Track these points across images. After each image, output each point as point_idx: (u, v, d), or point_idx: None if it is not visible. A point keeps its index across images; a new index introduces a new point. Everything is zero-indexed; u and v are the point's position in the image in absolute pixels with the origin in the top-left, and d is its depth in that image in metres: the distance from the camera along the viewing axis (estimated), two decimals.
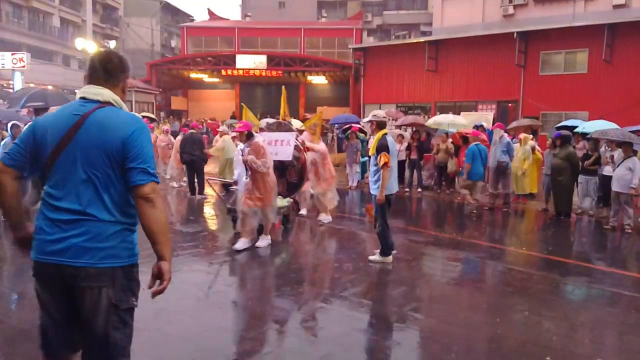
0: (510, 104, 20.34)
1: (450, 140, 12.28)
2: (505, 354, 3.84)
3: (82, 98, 2.23)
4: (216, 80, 33.43)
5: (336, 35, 34.24)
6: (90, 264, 2.08)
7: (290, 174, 8.02)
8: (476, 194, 10.20)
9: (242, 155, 6.36)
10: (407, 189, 12.94)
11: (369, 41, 32.79)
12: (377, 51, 25.37)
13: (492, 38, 20.83)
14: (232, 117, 30.09)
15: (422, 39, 24.35)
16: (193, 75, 32.75)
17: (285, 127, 8.27)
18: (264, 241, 6.65)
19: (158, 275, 2.16)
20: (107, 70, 2.27)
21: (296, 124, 15.57)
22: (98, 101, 2.20)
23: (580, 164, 9.46)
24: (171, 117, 30.48)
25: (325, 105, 31.31)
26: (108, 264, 2.10)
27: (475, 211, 9.87)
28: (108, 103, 2.22)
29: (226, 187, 9.31)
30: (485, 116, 16.86)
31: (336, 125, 20.54)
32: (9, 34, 30.57)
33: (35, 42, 33.10)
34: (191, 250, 6.60)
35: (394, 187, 6.09)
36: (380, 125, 6.03)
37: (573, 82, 19.06)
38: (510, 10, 24.03)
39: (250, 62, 30.16)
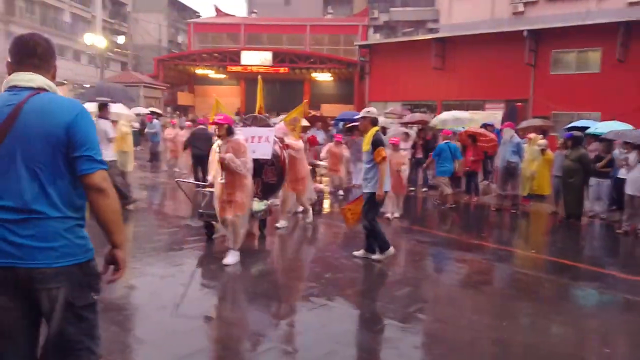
0: (519, 103, 20.06)
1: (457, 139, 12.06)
2: (511, 358, 3.68)
3: (13, 87, 2.05)
4: (222, 76, 33.37)
5: (342, 32, 34.03)
6: (46, 265, 1.96)
7: (267, 174, 6.91)
8: (446, 189, 10.49)
9: (219, 153, 5.53)
10: (412, 188, 12.74)
11: (375, 38, 32.55)
12: (384, 48, 25.19)
13: (501, 36, 20.58)
14: (237, 114, 30.02)
15: (429, 36, 24.13)
16: (199, 71, 32.72)
17: (263, 122, 7.27)
18: (232, 257, 5.61)
19: (112, 262, 2.13)
20: (37, 55, 2.10)
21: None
22: (31, 88, 2.03)
23: (592, 166, 9.24)
24: (177, 112, 30.44)
25: (329, 102, 31.17)
26: (64, 263, 1.99)
27: (448, 205, 10.29)
28: (42, 89, 2.05)
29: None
30: (494, 115, 16.62)
31: (340, 122, 20.38)
32: (22, 28, 30.66)
33: (47, 37, 33.30)
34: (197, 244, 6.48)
35: (386, 183, 5.87)
36: (373, 122, 5.95)
37: (585, 81, 18.78)
38: (520, 7, 23.68)
39: (256, 58, 30.07)
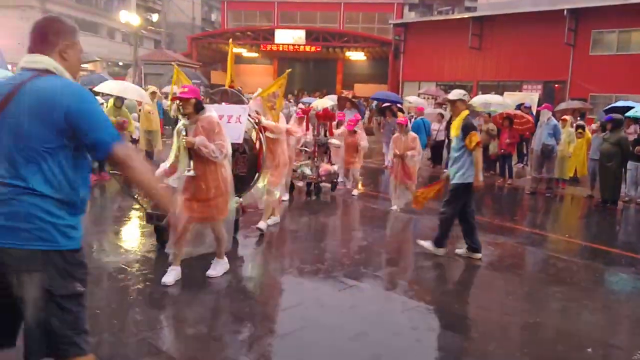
0: (556, 85, 19.53)
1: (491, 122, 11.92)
2: (542, 342, 3.74)
3: (22, 69, 2.06)
4: (255, 55, 33.42)
5: (376, 10, 33.48)
6: (15, 246, 1.90)
7: (237, 163, 5.54)
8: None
9: (185, 137, 4.30)
10: (445, 170, 12.69)
11: (411, 17, 31.93)
12: (419, 27, 24.76)
13: (541, 15, 19.96)
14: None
15: (466, 15, 23.59)
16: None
17: (235, 98, 5.92)
18: (218, 267, 4.62)
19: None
20: (43, 36, 2.07)
21: (322, 102, 14.86)
22: (35, 69, 2.03)
23: (631, 149, 9.03)
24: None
25: (362, 82, 30.93)
26: (37, 247, 1.91)
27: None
28: (47, 71, 2.03)
29: None
30: (530, 96, 16.27)
31: (374, 102, 20.29)
32: (58, 6, 31.23)
33: (82, 15, 33.82)
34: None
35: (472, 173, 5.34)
36: (463, 104, 5.48)
37: (626, 63, 18.12)
38: None
39: (289, 37, 29.97)
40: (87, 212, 2.17)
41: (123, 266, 4.83)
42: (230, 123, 5.33)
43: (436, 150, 13.32)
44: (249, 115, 5.57)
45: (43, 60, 2.04)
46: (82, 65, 20.88)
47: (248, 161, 5.67)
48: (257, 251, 5.71)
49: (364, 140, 9.23)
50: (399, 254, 5.94)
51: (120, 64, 35.25)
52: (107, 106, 9.39)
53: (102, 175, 9.08)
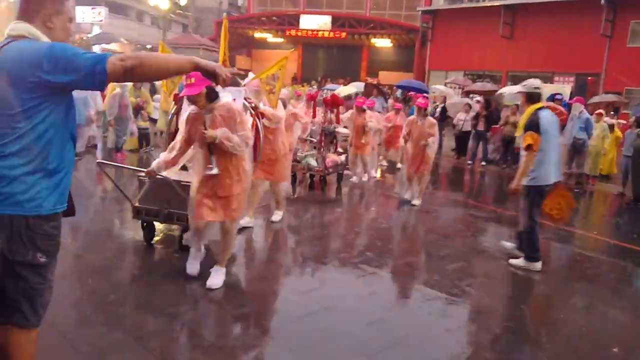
0: (590, 77, 18.91)
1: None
2: (566, 339, 3.62)
3: (5, 37, 2.02)
4: (280, 40, 33.32)
5: None
6: None
7: None
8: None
9: (204, 130, 3.70)
10: (470, 162, 12.46)
11: (439, 3, 31.27)
12: (448, 14, 24.23)
13: (577, 4, 19.26)
14: (294, 79, 30.04)
15: (497, 3, 22.91)
16: (257, 34, 32.80)
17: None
18: (220, 276, 3.99)
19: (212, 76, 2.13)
20: (27, 3, 2.03)
21: (345, 89, 14.34)
22: (11, 36, 2.00)
23: None
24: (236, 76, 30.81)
25: (387, 69, 30.55)
26: (5, 211, 1.90)
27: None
28: (21, 36, 1.98)
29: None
30: (562, 89, 15.81)
31: (399, 90, 20.02)
32: None
33: None
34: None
35: (550, 175, 4.78)
36: (531, 97, 4.86)
37: None
38: None
39: (314, 22, 29.74)
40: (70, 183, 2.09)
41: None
42: None
43: (462, 141, 13.06)
44: (245, 99, 4.83)
45: (19, 27, 2.00)
46: (107, 46, 21.05)
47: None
48: (273, 239, 5.67)
49: (373, 121, 8.57)
50: (419, 244, 5.84)
51: (149, 47, 35.50)
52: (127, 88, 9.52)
53: (121, 153, 9.20)
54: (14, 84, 1.88)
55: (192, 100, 3.67)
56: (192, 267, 4.08)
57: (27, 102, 1.89)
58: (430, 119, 7.21)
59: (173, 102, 5.35)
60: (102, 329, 3.21)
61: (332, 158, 7.68)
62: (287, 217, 6.16)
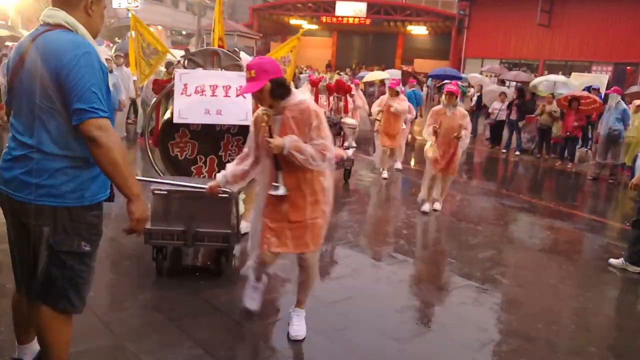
0: (628, 67, 18.38)
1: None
2: (594, 328, 3.73)
3: (41, 23, 2.02)
4: (314, 27, 33.34)
5: None
6: (29, 200, 1.96)
7: (229, 148, 4.45)
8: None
9: (268, 138, 2.82)
10: (504, 151, 12.42)
11: None
12: (485, 2, 23.80)
13: None
14: (328, 66, 30.09)
15: None
16: (293, 21, 32.89)
17: (229, 62, 4.45)
18: (302, 321, 3.24)
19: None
20: None
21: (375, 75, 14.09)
22: (49, 24, 1.98)
23: None
24: None
25: (423, 57, 30.27)
26: (47, 203, 1.96)
27: None
28: (58, 26, 1.96)
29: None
30: (599, 78, 15.46)
31: (430, 79, 19.90)
32: None
33: None
34: None
35: None
36: None
37: None
38: None
39: (350, 9, 29.66)
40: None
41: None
42: (229, 97, 4.13)
43: (496, 130, 13.00)
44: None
45: (56, 15, 1.98)
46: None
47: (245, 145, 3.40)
48: None
49: (359, 100, 8.17)
50: (449, 232, 5.97)
51: (184, 32, 36.06)
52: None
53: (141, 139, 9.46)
54: (46, 79, 1.90)
55: (256, 97, 2.94)
56: (252, 302, 3.36)
57: (57, 99, 1.92)
58: (461, 109, 6.09)
59: (153, 92, 4.99)
60: (137, 311, 3.32)
61: (337, 153, 6.50)
62: None
